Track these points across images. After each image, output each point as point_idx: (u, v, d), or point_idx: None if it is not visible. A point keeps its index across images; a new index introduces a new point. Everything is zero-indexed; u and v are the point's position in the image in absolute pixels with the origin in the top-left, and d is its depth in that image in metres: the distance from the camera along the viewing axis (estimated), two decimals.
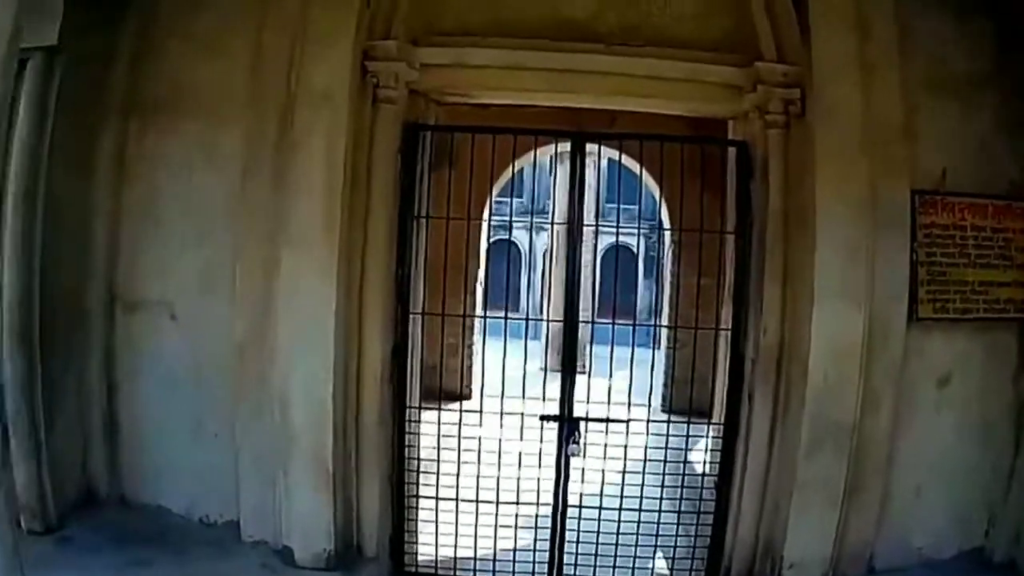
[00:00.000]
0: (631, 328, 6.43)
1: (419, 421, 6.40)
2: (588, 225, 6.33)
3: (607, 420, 6.27)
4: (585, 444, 6.24)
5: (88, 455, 6.16)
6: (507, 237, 33.43)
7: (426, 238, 6.44)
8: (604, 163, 28.54)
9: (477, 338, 12.53)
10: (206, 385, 6.04)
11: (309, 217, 5.62)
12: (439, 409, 6.32)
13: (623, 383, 6.33)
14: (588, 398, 6.21)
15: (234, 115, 5.93)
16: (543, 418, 6.28)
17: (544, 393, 6.26)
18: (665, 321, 12.11)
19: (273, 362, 5.75)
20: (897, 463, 5.87)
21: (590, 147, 6.38)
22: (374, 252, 5.95)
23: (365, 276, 5.93)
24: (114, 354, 6.19)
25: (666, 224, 12.09)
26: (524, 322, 7.07)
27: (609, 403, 6.31)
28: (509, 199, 21.43)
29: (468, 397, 11.42)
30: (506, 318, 6.57)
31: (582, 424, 6.27)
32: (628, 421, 6.28)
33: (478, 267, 11.44)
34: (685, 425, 6.31)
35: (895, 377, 5.74)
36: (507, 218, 34.29)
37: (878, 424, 5.72)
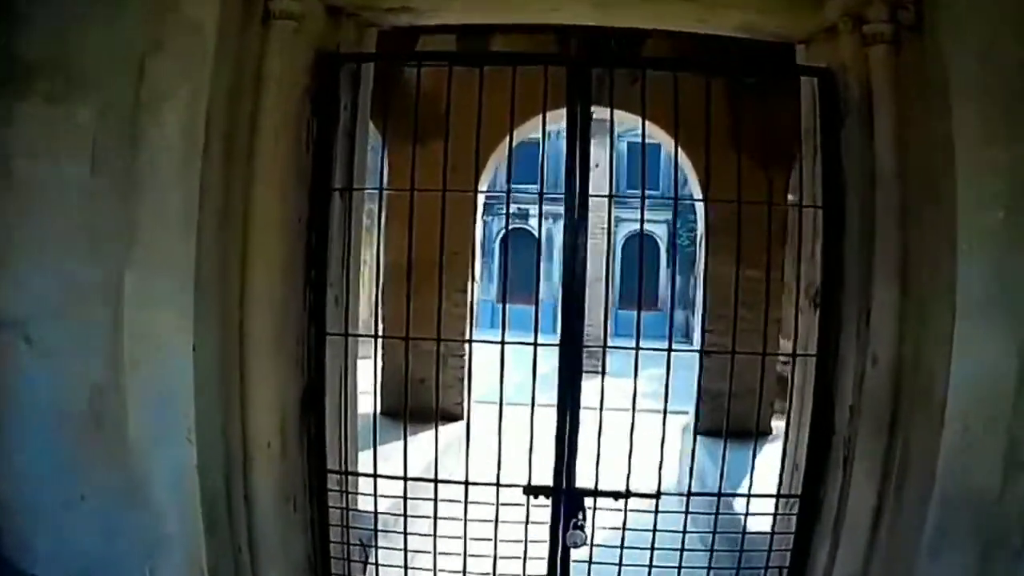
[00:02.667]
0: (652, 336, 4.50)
1: (345, 491, 4.46)
2: (595, 196, 4.32)
3: (626, 495, 4.27)
4: (593, 527, 4.31)
5: None
6: (522, 226, 32.77)
7: (347, 220, 4.45)
8: (624, 146, 27.43)
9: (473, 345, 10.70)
10: (71, 437, 4.22)
11: (158, 211, 3.77)
12: (375, 476, 4.40)
13: (645, 386, 4.58)
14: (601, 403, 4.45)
15: (97, 81, 4.06)
16: (529, 491, 4.34)
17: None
18: (698, 321, 10.23)
19: (127, 418, 3.91)
20: None
21: (598, 112, 4.47)
22: (261, 251, 4.01)
23: (248, 289, 4.01)
24: None
25: (698, 207, 10.30)
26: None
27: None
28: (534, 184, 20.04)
29: (459, 417, 9.78)
30: (470, 341, 4.65)
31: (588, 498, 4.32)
32: (658, 496, 4.27)
33: (471, 259, 9.61)
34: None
35: None
36: (497, 203, 33.35)
37: (1016, 493, 3.76)
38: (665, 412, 4.41)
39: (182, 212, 3.70)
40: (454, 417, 9.88)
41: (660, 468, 4.34)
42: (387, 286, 8.58)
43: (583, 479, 4.36)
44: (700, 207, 10.52)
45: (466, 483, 4.37)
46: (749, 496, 4.37)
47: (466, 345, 10.02)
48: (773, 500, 4.58)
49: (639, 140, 4.64)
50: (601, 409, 4.33)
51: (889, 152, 3.93)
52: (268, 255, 4.02)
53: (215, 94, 3.74)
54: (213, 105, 3.73)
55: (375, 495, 4.43)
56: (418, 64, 4.39)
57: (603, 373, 4.36)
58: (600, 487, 4.35)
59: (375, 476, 4.40)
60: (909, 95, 3.93)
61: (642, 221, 4.65)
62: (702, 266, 10.48)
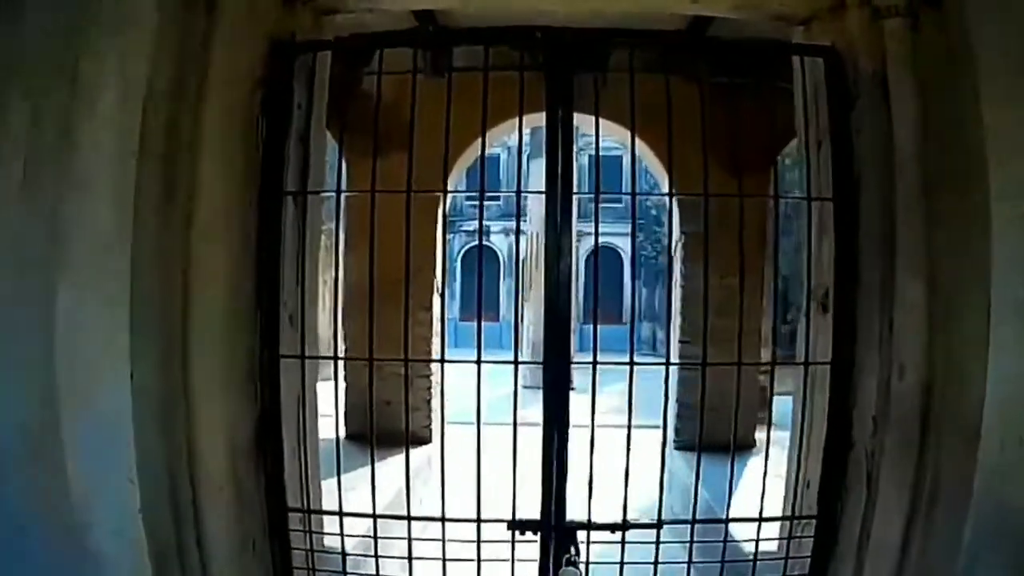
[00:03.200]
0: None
1: (308, 531, 3.97)
2: (579, 194, 3.92)
3: (624, 527, 3.80)
4: (587, 563, 3.82)
5: None
6: (482, 243, 32.51)
7: (302, 229, 3.99)
8: (585, 159, 27.18)
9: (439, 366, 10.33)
10: (9, 482, 3.64)
11: (88, 217, 3.27)
12: (340, 514, 3.92)
13: (619, 400, 4.15)
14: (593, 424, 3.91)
15: (31, 74, 3.54)
16: (514, 526, 3.86)
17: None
18: (677, 332, 9.82)
19: (64, 459, 3.38)
20: None
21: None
22: (205, 265, 3.53)
23: (191, 308, 3.51)
24: None
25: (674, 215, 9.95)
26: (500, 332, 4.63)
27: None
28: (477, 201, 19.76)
29: (427, 440, 9.58)
30: (442, 360, 4.18)
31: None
32: (659, 525, 3.82)
33: (440, 274, 9.24)
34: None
35: None
36: (457, 220, 33.18)
37: None
38: (665, 429, 4.01)
39: (115, 218, 3.22)
40: (422, 440, 9.54)
41: (661, 494, 3.90)
42: (349, 307, 8.16)
43: (574, 509, 3.91)
44: (673, 216, 10.14)
45: (443, 519, 3.90)
46: (760, 520, 3.93)
47: (432, 365, 9.62)
48: (782, 523, 4.19)
49: (602, 153, 4.23)
50: (593, 430, 3.86)
51: (909, 135, 3.54)
52: (213, 269, 3.55)
53: (154, 84, 3.28)
54: (151, 96, 3.27)
55: (341, 534, 3.96)
56: (380, 50, 3.94)
57: (593, 390, 3.88)
58: (592, 517, 3.90)
59: (341, 514, 3.93)
60: (928, 72, 3.55)
61: (634, 227, 4.25)
62: (678, 276, 10.08)
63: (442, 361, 3.72)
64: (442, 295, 9.00)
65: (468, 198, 33.24)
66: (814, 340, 4.00)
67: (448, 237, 31.40)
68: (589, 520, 3.87)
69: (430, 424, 9.90)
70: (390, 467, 4.86)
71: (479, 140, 4.75)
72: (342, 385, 4.52)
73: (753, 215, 4.20)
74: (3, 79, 3.51)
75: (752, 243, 4.31)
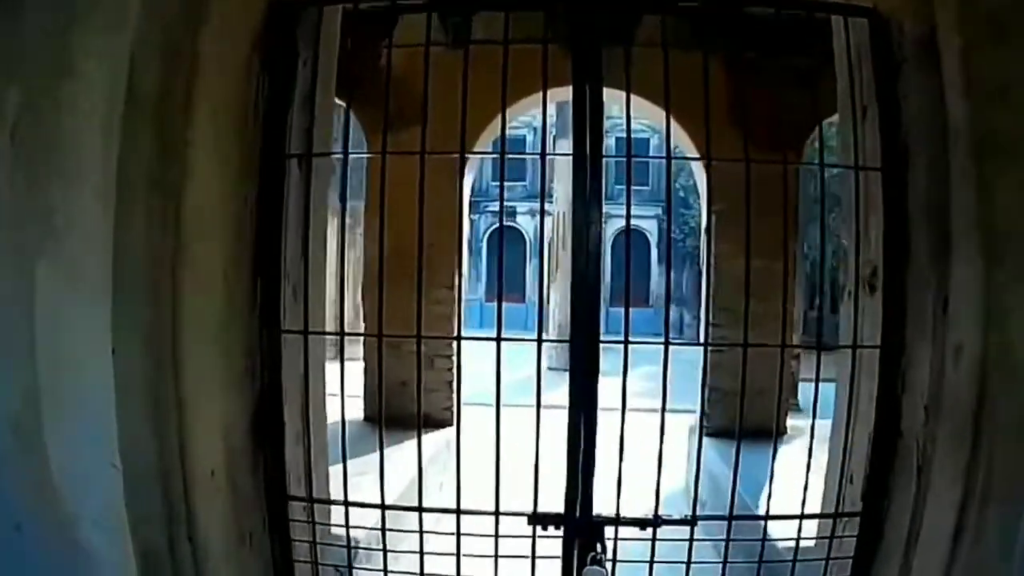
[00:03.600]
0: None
1: (312, 522, 3.72)
2: (609, 158, 3.65)
3: (655, 523, 3.53)
4: (614, 562, 3.54)
5: None
6: (508, 224, 32.30)
7: (306, 196, 3.73)
8: (612, 141, 26.85)
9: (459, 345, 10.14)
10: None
11: (77, 218, 3.04)
12: (346, 504, 3.68)
13: (642, 383, 4.30)
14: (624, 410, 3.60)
15: (21, 50, 3.25)
16: (535, 520, 3.59)
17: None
18: (703, 315, 9.58)
19: (49, 448, 3.16)
20: None
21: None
22: (199, 234, 3.27)
23: (181, 280, 3.26)
24: None
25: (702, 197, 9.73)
26: (526, 313, 4.38)
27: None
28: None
29: (448, 423, 9.41)
30: (459, 338, 3.94)
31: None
32: (693, 522, 3.55)
33: (458, 250, 9.11)
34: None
35: None
36: (483, 200, 32.88)
37: None
38: (702, 415, 3.72)
39: (100, 214, 3.01)
40: (442, 423, 9.41)
41: (696, 487, 3.64)
42: (366, 285, 7.94)
43: (600, 503, 3.62)
44: (701, 199, 9.88)
45: (458, 511, 3.64)
46: (801, 517, 3.66)
47: (454, 345, 9.36)
48: (820, 520, 3.91)
49: (624, 136, 3.96)
50: (623, 416, 3.56)
51: (960, 100, 3.23)
52: (207, 239, 3.32)
53: (141, 42, 3.05)
54: (139, 57, 3.05)
55: (347, 526, 3.71)
56: (393, 8, 3.69)
57: (624, 371, 3.61)
58: (619, 512, 3.62)
59: (346, 504, 3.69)
60: (978, 33, 3.24)
61: (669, 195, 3.99)
62: (713, 259, 9.80)
63: (458, 338, 3.47)
64: (459, 264, 8.81)
65: (493, 177, 33.02)
66: (860, 323, 3.73)
67: (473, 218, 31.25)
68: (617, 515, 3.60)
69: (451, 406, 9.76)
70: (407, 451, 4.65)
71: (500, 117, 4.51)
72: (360, 367, 4.30)
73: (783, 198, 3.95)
74: (4, 78, 3.35)
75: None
